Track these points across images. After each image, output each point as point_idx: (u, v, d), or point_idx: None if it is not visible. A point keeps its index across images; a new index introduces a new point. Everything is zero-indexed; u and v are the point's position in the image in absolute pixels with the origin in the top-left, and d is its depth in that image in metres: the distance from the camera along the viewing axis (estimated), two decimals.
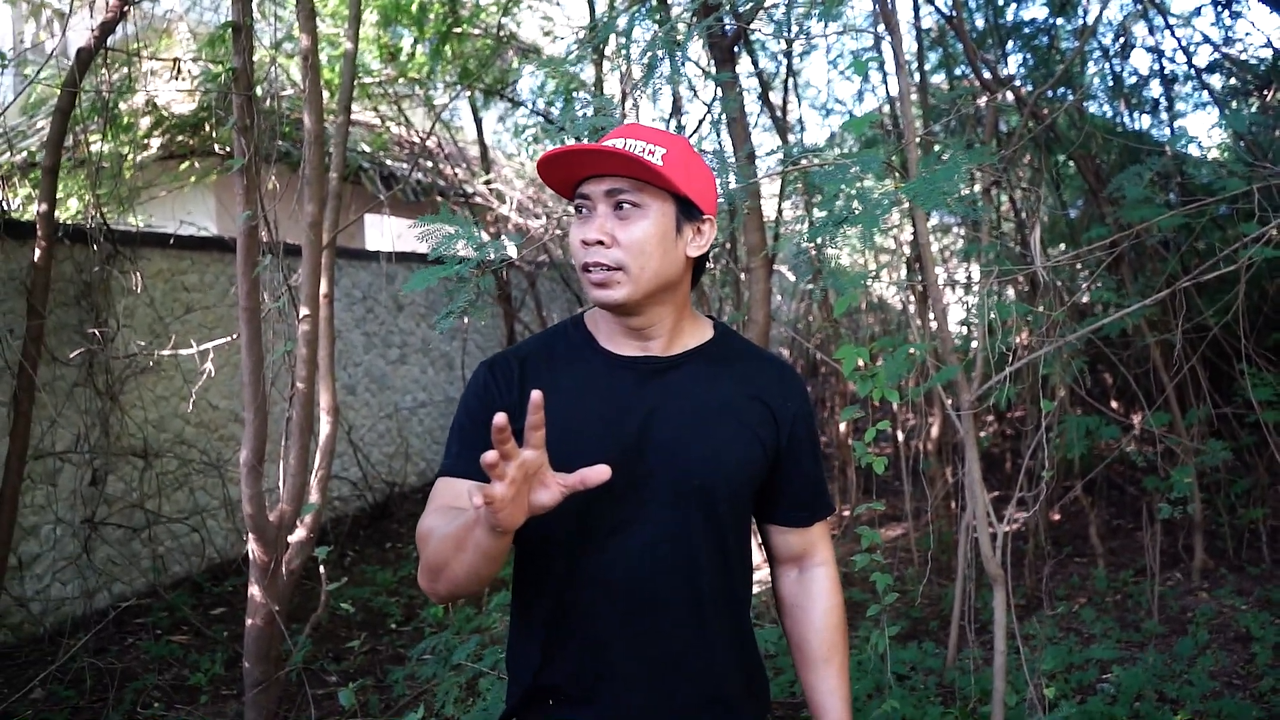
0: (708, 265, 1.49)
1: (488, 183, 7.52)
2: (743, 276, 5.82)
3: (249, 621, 3.37)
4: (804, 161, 4.35)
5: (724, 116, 4.12)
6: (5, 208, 4.99)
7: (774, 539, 1.59)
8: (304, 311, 3.20)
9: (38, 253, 4.48)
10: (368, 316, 7.42)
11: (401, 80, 6.38)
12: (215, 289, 5.92)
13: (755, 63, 5.90)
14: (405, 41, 6.07)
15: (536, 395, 1.12)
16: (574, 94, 6.90)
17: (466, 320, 8.33)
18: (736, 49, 4.49)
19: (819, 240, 5.37)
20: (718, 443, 1.42)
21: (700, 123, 5.26)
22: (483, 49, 6.34)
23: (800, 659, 1.58)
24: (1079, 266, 5.61)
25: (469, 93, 6.85)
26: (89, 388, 5.05)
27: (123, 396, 5.24)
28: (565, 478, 1.16)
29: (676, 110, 6.95)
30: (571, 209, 1.43)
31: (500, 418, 1.06)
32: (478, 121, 7.53)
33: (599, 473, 1.14)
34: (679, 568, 1.40)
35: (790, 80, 6.71)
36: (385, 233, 8.62)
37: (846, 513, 5.92)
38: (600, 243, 1.35)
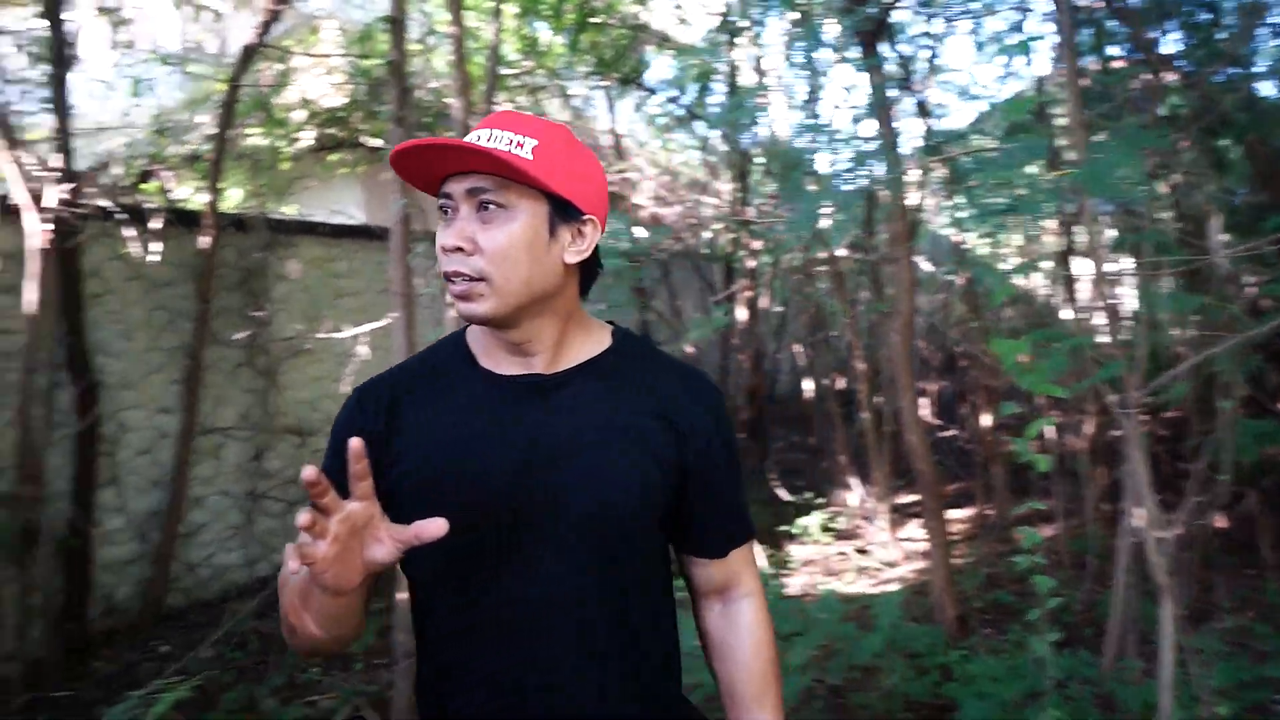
0: (600, 269, 1.37)
1: (621, 172, 7.56)
2: (886, 268, 5.68)
3: (398, 595, 3.49)
4: (950, 149, 4.21)
5: (868, 102, 4.03)
6: (175, 199, 5.30)
7: (691, 570, 1.42)
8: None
9: (206, 241, 4.74)
10: None
11: (539, 71, 6.47)
12: (363, 275, 6.15)
13: (896, 46, 5.73)
14: (543, 33, 6.15)
15: (355, 443, 1.03)
16: (708, 81, 6.87)
17: (603, 305, 8.42)
18: (878, 32, 4.38)
19: (967, 229, 5.20)
20: (608, 468, 1.26)
21: (837, 108, 5.15)
22: (618, 39, 6.37)
23: (729, 701, 1.38)
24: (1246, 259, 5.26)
25: (605, 82, 6.90)
26: (250, 368, 5.33)
27: (280, 377, 5.50)
28: (400, 531, 1.07)
29: (813, 97, 6.83)
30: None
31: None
32: (611, 111, 7.57)
33: (435, 527, 1.05)
34: (566, 608, 1.25)
35: (932, 63, 6.51)
36: None
37: (990, 512, 5.72)
38: (460, 249, 1.20)
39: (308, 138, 6.70)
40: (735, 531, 1.40)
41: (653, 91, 7.39)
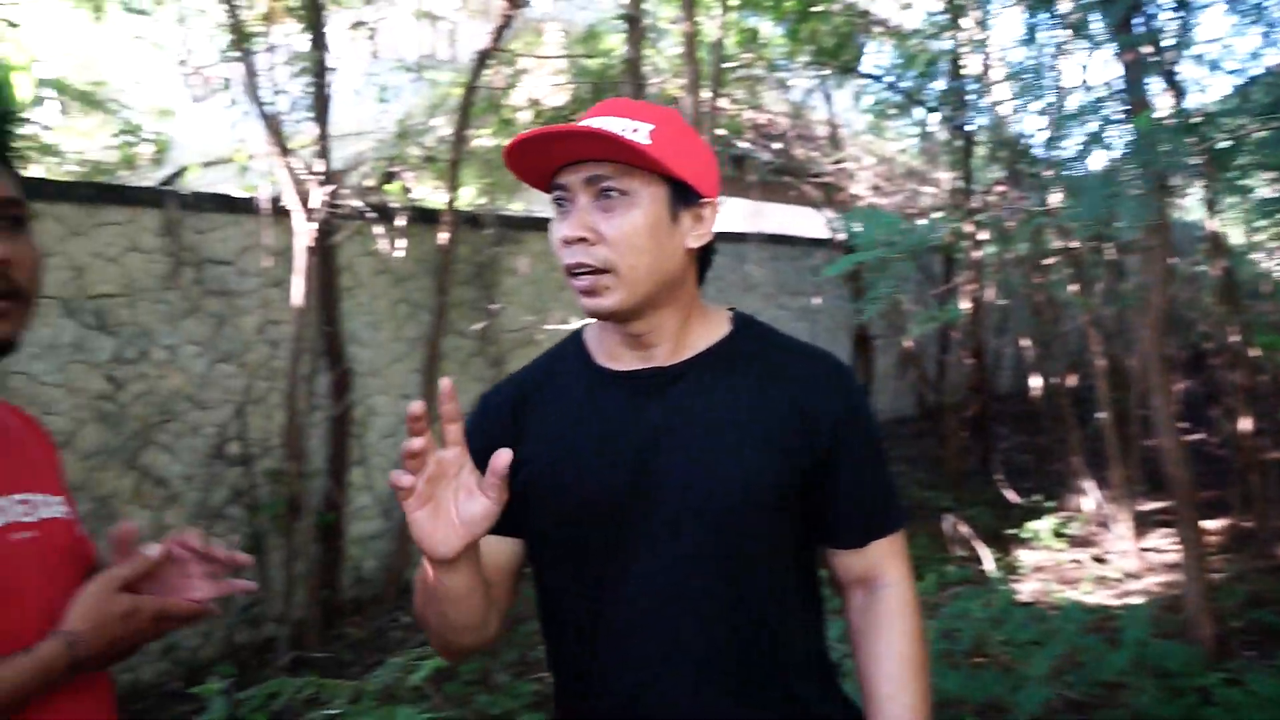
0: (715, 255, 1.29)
1: (838, 162, 7.44)
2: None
3: None
4: (1207, 129, 3.86)
5: (1114, 82, 3.75)
6: (414, 198, 5.66)
7: (833, 562, 1.35)
8: None
9: (444, 237, 5.04)
10: (717, 297, 7.62)
11: (758, 63, 6.46)
12: None
13: (1148, 22, 5.32)
14: (764, 26, 6.13)
15: (445, 382, 1.02)
16: (931, 66, 6.63)
17: (819, 300, 8.33)
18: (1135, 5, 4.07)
19: (1226, 217, 4.77)
20: (732, 462, 1.21)
21: (1070, 91, 4.84)
22: (839, 28, 6.26)
23: (865, 696, 1.29)
24: None
25: (825, 72, 6.80)
26: (482, 358, 5.62)
27: (509, 366, 5.77)
28: (488, 481, 1.02)
29: (1036, 80, 6.45)
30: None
31: (416, 407, 0.99)
32: (829, 100, 7.46)
33: (504, 457, 1.01)
34: (689, 608, 1.20)
35: (1184, 35, 5.99)
36: (733, 213, 8.79)
37: (1248, 524, 5.23)
38: (583, 240, 1.17)
39: None
40: (877, 521, 1.32)
41: (873, 79, 7.21)
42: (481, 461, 1.11)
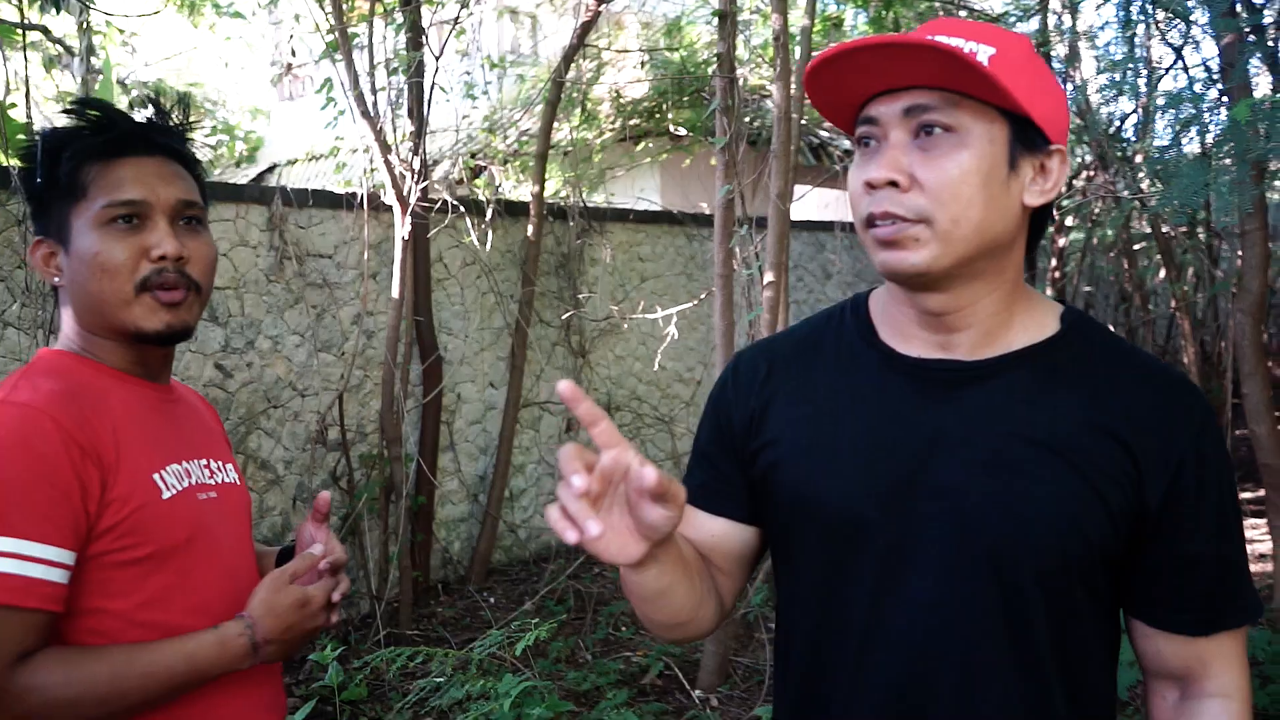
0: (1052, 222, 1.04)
1: None
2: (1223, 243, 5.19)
3: None
4: None
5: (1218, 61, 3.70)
6: (500, 191, 5.81)
7: (1142, 643, 1.06)
8: (769, 278, 3.40)
9: (531, 228, 5.17)
10: (797, 285, 7.64)
11: None
12: (664, 259, 6.43)
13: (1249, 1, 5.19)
14: (848, 13, 6.13)
15: (565, 385, 0.84)
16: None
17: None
18: None
19: None
20: (1026, 492, 0.97)
21: (1163, 72, 4.75)
22: (924, 14, 6.21)
23: None
24: None
25: None
26: (565, 346, 5.75)
27: (591, 355, 5.90)
28: (664, 482, 0.83)
29: (1128, 61, 6.31)
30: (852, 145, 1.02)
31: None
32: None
33: (649, 477, 0.82)
34: (952, 660, 0.99)
35: None
36: (810, 202, 8.79)
37: None
38: (893, 184, 0.94)
39: (615, 129, 7.08)
40: (1218, 608, 1.02)
41: None
42: (721, 441, 1.12)
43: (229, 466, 1.36)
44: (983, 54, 0.93)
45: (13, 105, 4.07)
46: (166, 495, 1.20)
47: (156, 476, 1.20)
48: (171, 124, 1.32)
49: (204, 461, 1.31)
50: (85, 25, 5.54)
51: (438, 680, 2.42)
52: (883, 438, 1.01)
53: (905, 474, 1.00)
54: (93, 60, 5.63)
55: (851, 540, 1.02)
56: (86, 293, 1.22)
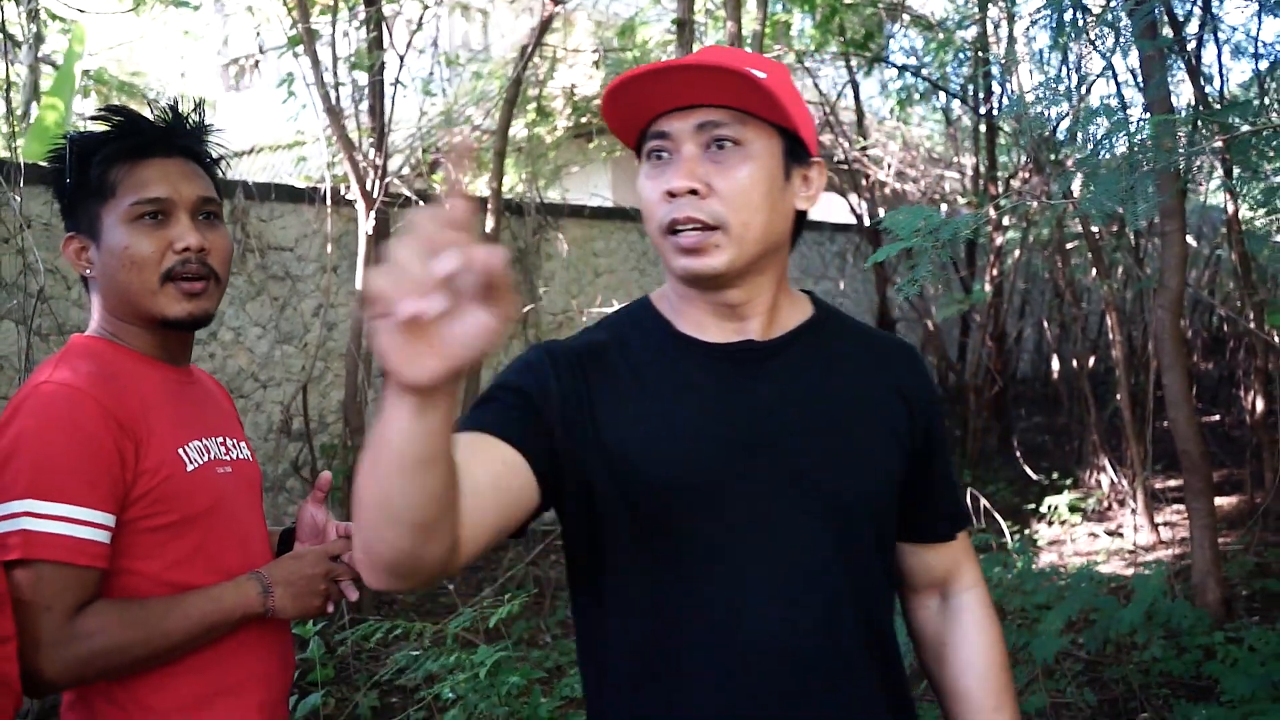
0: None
1: (864, 149, 7.63)
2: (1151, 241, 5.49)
3: None
4: (1228, 117, 4.04)
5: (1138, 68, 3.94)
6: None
7: (910, 561, 1.26)
8: None
9: (489, 224, 5.28)
10: None
11: (787, 54, 6.66)
12: (618, 254, 6.58)
13: (1169, 7, 5.48)
14: (795, 17, 6.34)
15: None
16: (958, 54, 6.81)
17: (843, 285, 8.53)
18: None
19: (1249, 204, 4.94)
20: (853, 446, 1.12)
21: (1094, 78, 5.01)
22: (869, 19, 6.45)
23: (957, 710, 1.22)
24: None
25: (852, 61, 6.99)
26: (522, 339, 5.88)
27: None
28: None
29: (1066, 63, 6.59)
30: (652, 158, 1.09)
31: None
32: (855, 88, 7.65)
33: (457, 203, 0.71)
34: (814, 611, 1.07)
35: (1206, 20, 6.14)
36: None
37: (1259, 500, 5.43)
38: (694, 192, 1.03)
39: (570, 126, 7.21)
40: (957, 512, 1.27)
41: (899, 68, 7.40)
42: (542, 395, 1.03)
43: (242, 444, 1.49)
44: (757, 76, 1.02)
45: None
46: (190, 468, 1.33)
47: (181, 451, 1.33)
48: (190, 127, 1.43)
49: (220, 439, 1.43)
50: (34, 13, 5.52)
51: (414, 653, 2.55)
52: (717, 416, 1.09)
53: (743, 448, 1.08)
54: (41, 49, 5.60)
55: (700, 511, 1.07)
56: (116, 283, 1.34)
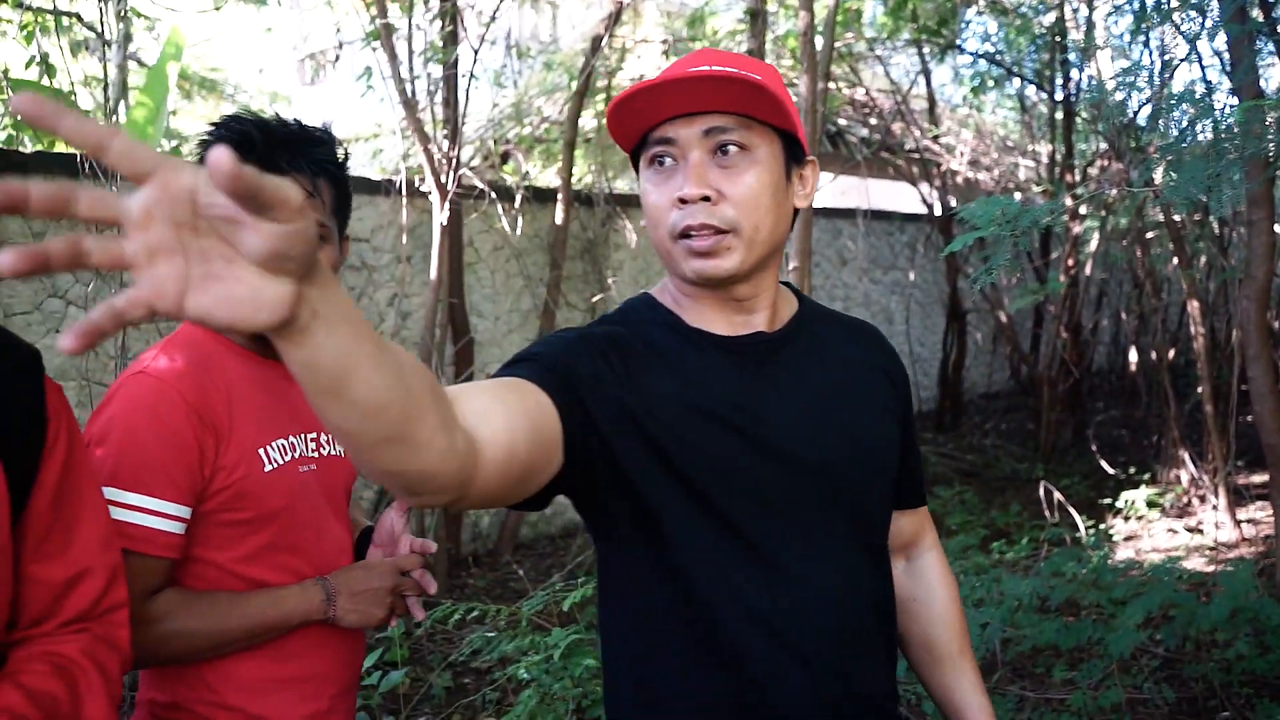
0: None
1: (936, 137, 7.53)
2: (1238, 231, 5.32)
3: None
4: None
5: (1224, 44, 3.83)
6: (527, 177, 5.98)
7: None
8: (793, 264, 3.56)
9: (559, 214, 5.34)
10: (814, 270, 7.80)
11: (858, 41, 6.60)
12: None
13: None
14: (866, 6, 6.27)
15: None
16: (1035, 40, 6.67)
17: (912, 276, 8.43)
18: None
19: None
20: (861, 428, 1.18)
21: (1177, 63, 4.87)
22: (943, 6, 6.35)
23: (927, 658, 1.34)
24: None
25: (925, 48, 6.90)
26: None
27: None
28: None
29: (1148, 47, 6.41)
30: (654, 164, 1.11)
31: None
32: (927, 76, 7.54)
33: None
34: (838, 587, 1.13)
35: None
36: (828, 189, 8.93)
37: None
38: (706, 198, 1.06)
39: None
40: (921, 479, 1.36)
41: (973, 55, 7.27)
42: (570, 377, 1.01)
43: (334, 440, 1.51)
44: (756, 80, 1.04)
45: (71, 93, 4.25)
46: (268, 468, 1.36)
47: (261, 451, 1.36)
48: (316, 142, 1.40)
49: (312, 435, 1.46)
50: (124, 13, 5.71)
51: (489, 635, 2.61)
52: (742, 404, 1.11)
53: (769, 436, 1.11)
54: (130, 48, 5.80)
55: (732, 498, 1.09)
56: None
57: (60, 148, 4.26)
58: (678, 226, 1.07)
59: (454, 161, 4.49)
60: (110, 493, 1.22)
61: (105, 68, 3.65)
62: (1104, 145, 6.66)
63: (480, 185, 4.96)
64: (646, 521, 1.09)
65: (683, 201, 1.06)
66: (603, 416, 1.03)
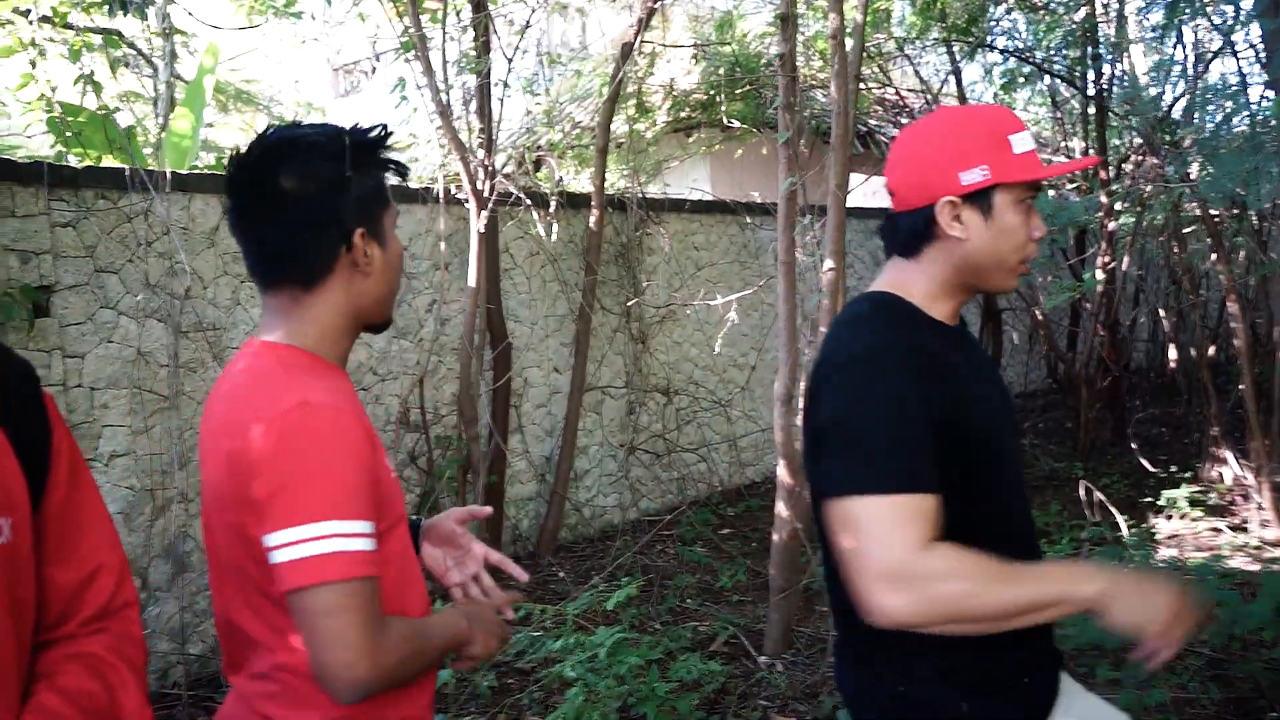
0: None
1: None
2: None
3: (775, 537, 3.88)
4: None
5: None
6: (561, 183, 6.03)
7: None
8: (829, 265, 3.58)
9: (593, 219, 5.39)
10: (848, 271, 7.79)
11: (888, 41, 6.60)
12: (718, 247, 6.63)
13: None
14: (895, 5, 6.27)
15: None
16: (1067, 36, 6.63)
17: None
18: None
19: None
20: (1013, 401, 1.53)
21: (1211, 57, 4.84)
22: (972, 5, 6.34)
23: None
24: None
25: (955, 46, 6.88)
26: (625, 333, 5.98)
27: (650, 341, 6.12)
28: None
29: (1181, 42, 6.35)
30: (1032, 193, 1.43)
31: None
32: (958, 75, 7.51)
33: None
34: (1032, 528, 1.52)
35: None
36: (860, 190, 8.90)
37: None
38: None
39: (669, 121, 7.28)
40: None
41: (1003, 53, 7.25)
42: (924, 414, 1.30)
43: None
44: None
45: (116, 110, 4.37)
46: (392, 475, 1.38)
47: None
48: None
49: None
50: (168, 30, 5.86)
51: (534, 634, 2.65)
52: (988, 386, 1.46)
53: (1002, 405, 1.47)
54: (175, 65, 5.94)
55: (1005, 464, 1.42)
56: (389, 289, 1.40)
57: (108, 162, 4.37)
58: (1029, 256, 1.42)
59: (489, 169, 4.55)
60: (337, 525, 1.20)
61: (155, 85, 3.74)
62: (1138, 140, 6.60)
63: (515, 192, 5.02)
64: (966, 484, 1.38)
65: (1039, 239, 1.42)
66: (938, 426, 1.33)
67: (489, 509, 1.59)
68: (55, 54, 4.38)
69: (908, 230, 1.44)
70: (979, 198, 1.38)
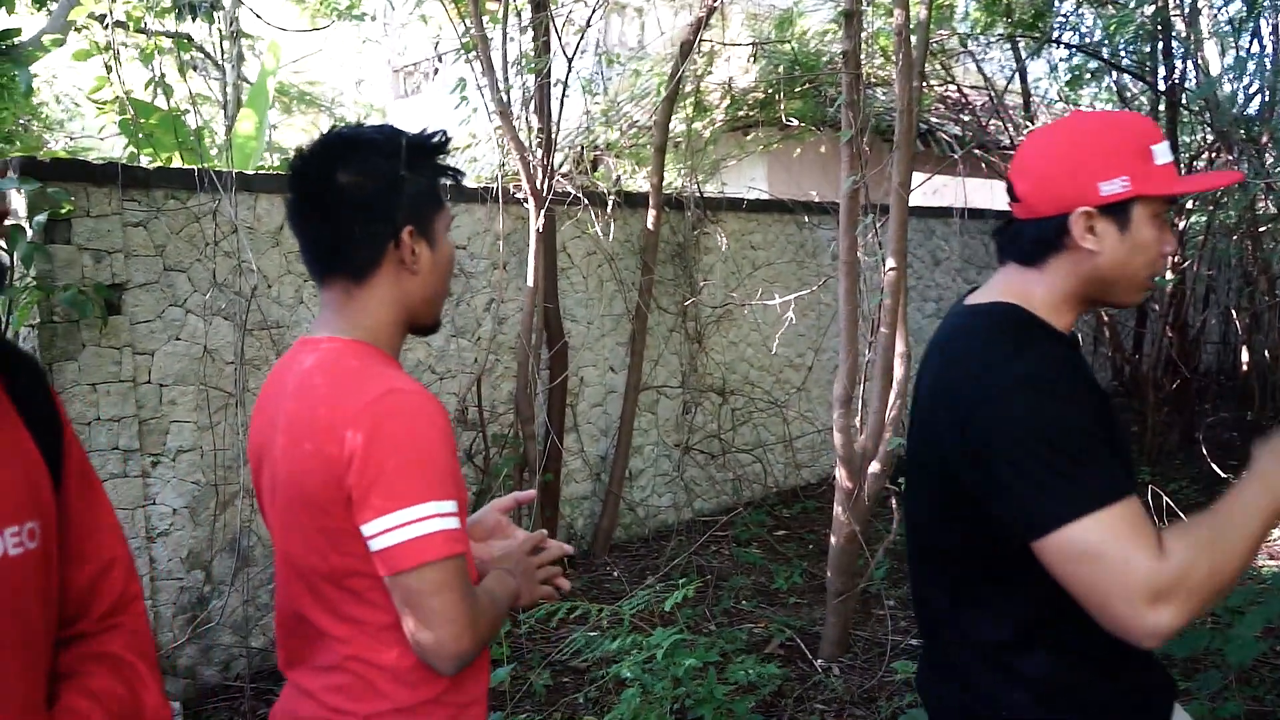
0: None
1: (1030, 132, 7.35)
2: None
3: (833, 539, 3.84)
4: None
5: None
6: (617, 182, 6.04)
7: None
8: (890, 264, 3.53)
9: (650, 219, 5.39)
10: (907, 272, 7.69)
11: (951, 37, 6.49)
12: (775, 246, 6.58)
13: None
14: (959, 1, 6.17)
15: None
16: (1137, 30, 6.47)
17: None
18: None
19: None
20: None
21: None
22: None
23: None
24: None
25: (1020, 42, 6.75)
26: (681, 332, 5.96)
27: (706, 340, 6.09)
28: None
29: (1259, 36, 6.16)
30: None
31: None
32: (1023, 72, 7.37)
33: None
34: None
35: None
36: (921, 187, 8.78)
37: None
38: None
39: (727, 119, 7.25)
40: None
41: (1070, 48, 7.09)
42: (1106, 432, 1.29)
43: None
44: None
45: (185, 111, 4.47)
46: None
47: None
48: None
49: None
50: (236, 34, 5.98)
51: (590, 634, 2.65)
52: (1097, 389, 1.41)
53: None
54: (242, 68, 6.07)
55: (1131, 475, 1.41)
56: (436, 290, 1.42)
57: (177, 163, 4.48)
58: (1160, 271, 1.43)
59: (548, 168, 4.57)
60: (436, 505, 1.25)
61: (224, 88, 3.82)
62: (1210, 137, 6.42)
63: (573, 191, 5.03)
64: None
65: (1170, 255, 1.42)
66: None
67: (532, 493, 1.61)
68: (128, 58, 4.50)
69: (1034, 239, 1.39)
70: (1116, 210, 1.33)
